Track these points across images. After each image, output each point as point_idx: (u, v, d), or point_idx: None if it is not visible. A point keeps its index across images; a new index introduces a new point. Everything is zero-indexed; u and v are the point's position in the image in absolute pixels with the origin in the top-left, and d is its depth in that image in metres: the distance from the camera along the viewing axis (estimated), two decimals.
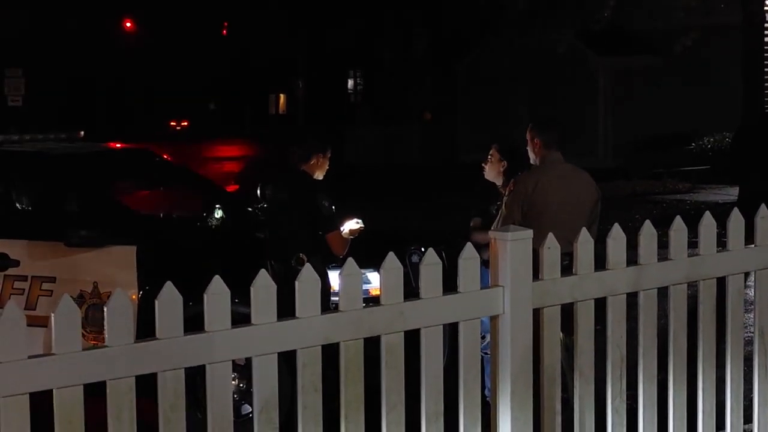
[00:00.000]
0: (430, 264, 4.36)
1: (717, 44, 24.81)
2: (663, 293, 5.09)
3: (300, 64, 39.12)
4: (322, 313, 4.11)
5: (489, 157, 8.00)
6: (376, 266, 4.40)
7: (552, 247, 4.68)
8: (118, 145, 12.00)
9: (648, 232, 4.99)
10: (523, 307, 4.54)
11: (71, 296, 3.73)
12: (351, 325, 4.16)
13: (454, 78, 35.15)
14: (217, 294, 3.88)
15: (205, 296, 3.86)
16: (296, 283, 4.05)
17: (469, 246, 4.52)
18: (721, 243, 5.24)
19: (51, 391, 3.61)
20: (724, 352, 5.36)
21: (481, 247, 5.64)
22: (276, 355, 4.03)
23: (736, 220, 5.32)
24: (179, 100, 39.38)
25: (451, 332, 4.69)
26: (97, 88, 39.87)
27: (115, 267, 7.74)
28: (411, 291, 4.42)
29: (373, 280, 7.23)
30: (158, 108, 38.53)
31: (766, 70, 22.33)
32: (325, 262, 7.34)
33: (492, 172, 7.95)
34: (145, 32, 40.11)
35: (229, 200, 9.81)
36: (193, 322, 3.96)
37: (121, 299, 3.73)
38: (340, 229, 7.61)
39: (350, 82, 43.01)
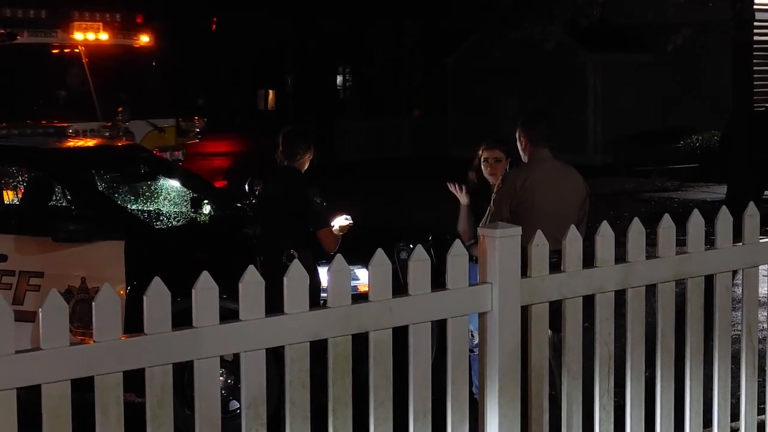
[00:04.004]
0: (419, 260, 4.36)
1: (707, 41, 24.84)
2: (651, 291, 5.10)
3: (289, 59, 39.08)
4: (310, 309, 4.11)
5: (495, 160, 7.86)
6: (364, 262, 4.40)
7: (540, 244, 4.69)
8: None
9: (636, 229, 5.00)
10: (511, 304, 4.54)
11: (59, 291, 3.71)
12: (339, 322, 4.16)
13: (444, 72, 35.13)
14: (206, 289, 3.88)
15: (193, 292, 3.86)
16: (285, 279, 4.05)
17: (457, 242, 4.52)
18: (710, 241, 5.26)
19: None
20: (712, 350, 5.37)
21: (470, 244, 5.64)
22: (264, 351, 4.03)
23: (724, 218, 5.32)
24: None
25: (438, 329, 4.70)
26: None
27: (103, 262, 7.72)
28: (399, 287, 4.42)
29: (362, 277, 7.22)
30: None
31: (755, 68, 22.34)
32: (315, 258, 7.34)
33: (502, 173, 7.83)
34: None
35: (218, 196, 9.81)
36: (181, 318, 3.95)
37: (109, 294, 3.72)
38: (331, 226, 7.61)
39: (339, 78, 42.97)
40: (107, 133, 13.78)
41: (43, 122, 13.51)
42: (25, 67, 14.14)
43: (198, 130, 15.85)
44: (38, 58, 14.19)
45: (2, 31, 13.54)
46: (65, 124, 13.60)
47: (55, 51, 14.34)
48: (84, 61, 14.20)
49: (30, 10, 14.12)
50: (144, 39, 15.09)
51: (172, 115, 15.27)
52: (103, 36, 14.44)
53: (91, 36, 14.28)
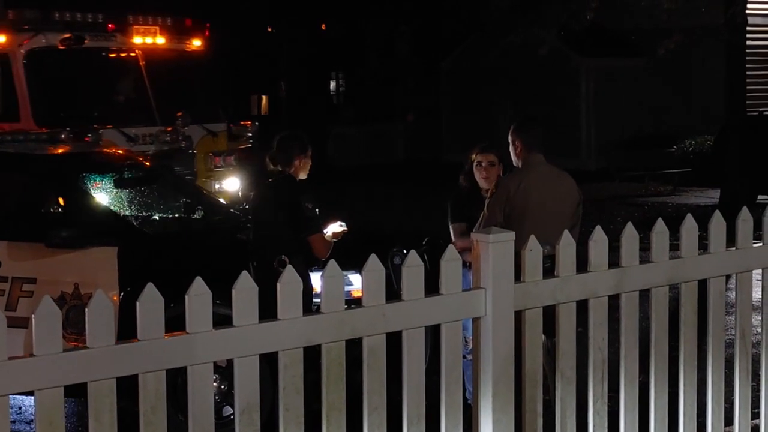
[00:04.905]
0: (412, 266, 4.36)
1: (700, 46, 24.88)
2: (645, 295, 5.10)
3: (282, 64, 39.10)
4: (303, 315, 4.11)
5: (490, 164, 7.85)
6: (358, 268, 4.39)
7: (534, 249, 4.69)
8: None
9: (630, 234, 5.00)
10: (504, 309, 4.54)
11: (52, 297, 3.71)
12: (333, 327, 4.15)
13: (438, 76, 35.15)
14: (199, 295, 3.87)
15: (186, 297, 3.85)
16: (278, 284, 4.04)
17: (451, 248, 4.52)
18: (703, 246, 5.26)
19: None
20: (706, 355, 5.37)
21: (466, 251, 5.64)
22: (258, 356, 4.03)
23: (717, 222, 5.33)
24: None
25: (432, 334, 4.69)
26: None
27: (96, 268, 7.71)
28: (393, 293, 4.42)
29: (355, 282, 7.22)
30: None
31: (748, 72, 22.37)
32: (307, 263, 7.33)
33: (496, 178, 7.82)
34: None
35: (211, 201, 9.81)
36: (175, 324, 3.95)
37: (102, 300, 3.71)
38: (322, 232, 7.60)
39: (332, 84, 42.97)
40: (168, 138, 13.72)
41: (105, 126, 13.33)
42: (87, 72, 14.05)
43: (250, 134, 15.66)
44: (99, 62, 14.09)
45: (69, 35, 13.40)
46: (127, 129, 13.48)
47: (113, 55, 14.23)
48: (141, 64, 14.13)
49: (88, 13, 14.04)
50: (195, 43, 15.03)
51: (223, 120, 15.18)
52: (160, 40, 14.37)
53: (149, 40, 14.20)
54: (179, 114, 13.86)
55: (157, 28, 14.36)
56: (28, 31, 13.29)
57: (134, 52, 14.13)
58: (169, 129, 13.77)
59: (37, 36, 13.24)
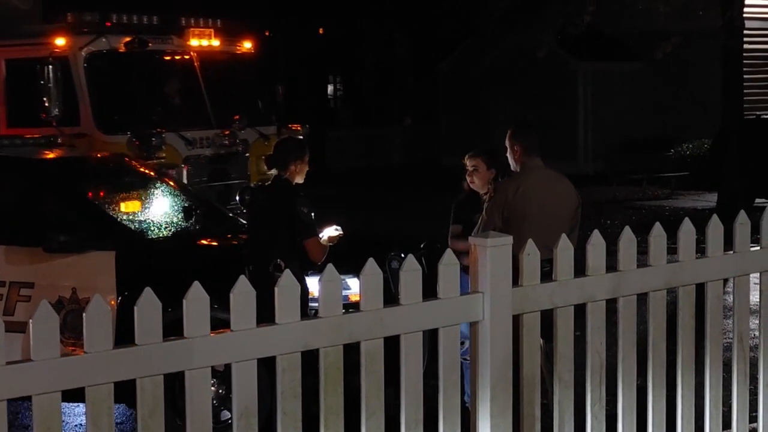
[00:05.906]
0: (410, 270, 4.36)
1: (697, 49, 24.87)
2: (642, 299, 5.10)
3: (280, 68, 39.10)
4: (301, 320, 4.11)
5: (473, 168, 7.90)
6: (356, 272, 4.40)
7: (532, 253, 4.69)
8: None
9: (627, 238, 5.00)
10: (502, 313, 4.54)
11: (50, 302, 3.70)
12: (331, 331, 4.15)
13: (435, 79, 35.16)
14: (197, 300, 3.87)
15: (184, 302, 3.85)
16: (276, 289, 4.04)
17: (448, 252, 4.52)
18: (700, 249, 5.26)
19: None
20: (703, 358, 5.37)
21: (462, 254, 5.63)
22: (255, 361, 4.03)
23: (714, 226, 5.33)
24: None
25: (430, 337, 4.69)
26: None
27: (94, 272, 7.71)
28: (391, 297, 4.42)
29: (353, 286, 7.21)
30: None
31: (745, 76, 22.36)
32: (302, 268, 7.33)
33: (481, 182, 7.88)
34: None
35: (209, 206, 9.80)
36: (173, 328, 3.95)
37: (100, 305, 3.71)
38: (318, 236, 7.60)
39: (330, 87, 42.97)
40: (225, 142, 13.65)
41: (164, 130, 13.22)
42: (146, 75, 13.94)
43: (301, 137, 15.47)
44: (157, 65, 13.94)
45: (131, 38, 13.27)
46: (185, 132, 13.36)
47: (169, 58, 14.10)
48: (196, 66, 14.02)
49: (143, 15, 13.94)
50: (246, 45, 14.95)
51: (273, 123, 15.06)
52: (215, 42, 14.26)
53: (204, 42, 14.08)
54: (236, 117, 13.79)
55: (212, 30, 14.27)
56: (88, 34, 13.20)
57: (189, 54, 14.03)
58: (227, 132, 13.70)
59: (99, 39, 13.14)
